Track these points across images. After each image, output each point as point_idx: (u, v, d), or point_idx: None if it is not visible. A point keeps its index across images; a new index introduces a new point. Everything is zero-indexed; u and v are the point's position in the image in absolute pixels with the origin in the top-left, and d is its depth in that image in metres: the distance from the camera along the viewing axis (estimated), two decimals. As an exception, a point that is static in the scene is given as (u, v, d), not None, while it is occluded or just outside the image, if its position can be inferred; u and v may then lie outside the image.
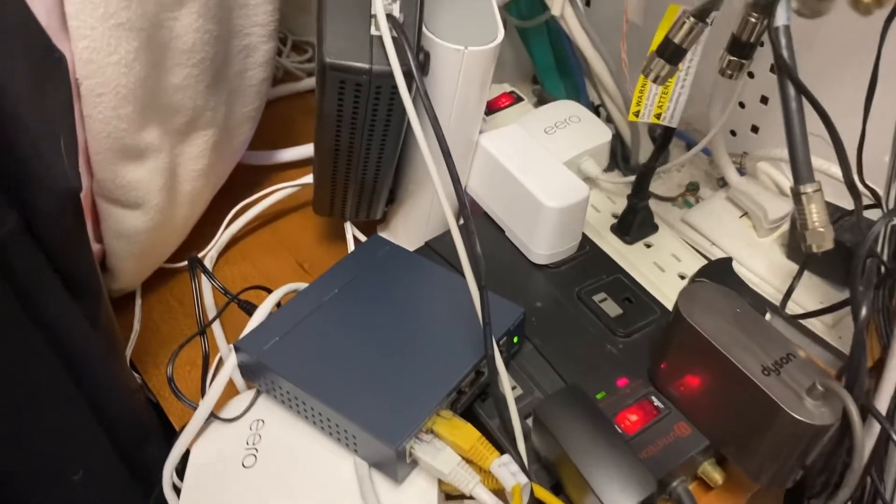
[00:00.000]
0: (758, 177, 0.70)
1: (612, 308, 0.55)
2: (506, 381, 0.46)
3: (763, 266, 0.65)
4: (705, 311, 0.47)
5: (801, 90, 0.39)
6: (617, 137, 0.73)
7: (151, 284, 0.63)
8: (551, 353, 0.52)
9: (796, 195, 0.39)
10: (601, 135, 0.64)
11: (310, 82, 0.84)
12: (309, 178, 0.66)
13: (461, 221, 0.44)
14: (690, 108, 0.58)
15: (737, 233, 0.67)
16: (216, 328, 0.58)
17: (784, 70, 0.39)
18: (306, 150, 0.72)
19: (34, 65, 0.35)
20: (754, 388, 0.43)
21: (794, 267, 0.65)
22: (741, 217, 0.69)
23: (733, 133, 0.73)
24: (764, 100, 0.69)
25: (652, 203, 0.64)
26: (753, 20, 0.39)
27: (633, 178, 0.61)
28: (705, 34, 0.40)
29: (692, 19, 0.39)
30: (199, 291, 0.57)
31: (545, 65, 0.77)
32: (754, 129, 0.71)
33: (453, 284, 0.52)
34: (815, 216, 0.39)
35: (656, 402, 0.50)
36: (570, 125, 0.64)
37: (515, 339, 0.52)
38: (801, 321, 0.61)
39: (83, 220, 0.41)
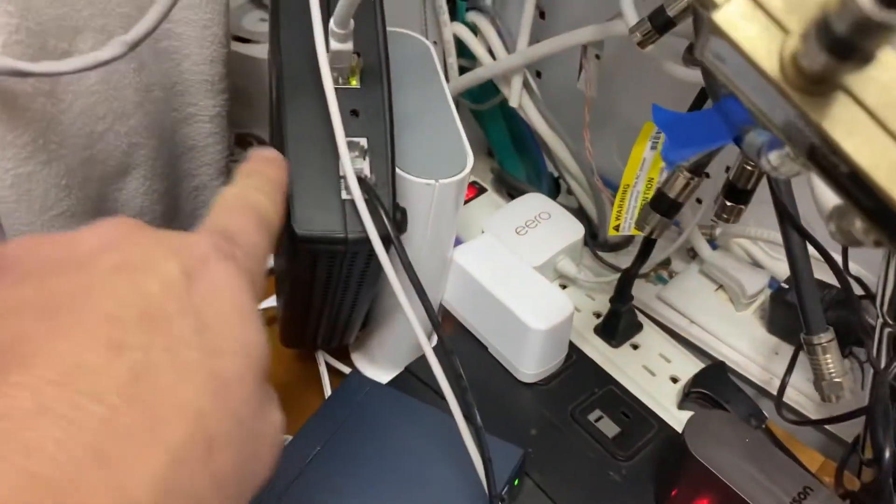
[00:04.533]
0: (730, 248, 0.69)
1: (608, 427, 0.53)
2: (516, 543, 0.44)
3: (745, 343, 0.64)
4: (715, 445, 0.45)
5: (806, 236, 0.37)
6: (581, 213, 0.71)
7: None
8: (553, 489, 0.50)
9: (810, 345, 0.38)
10: (574, 231, 0.62)
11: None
12: (272, 302, 0.62)
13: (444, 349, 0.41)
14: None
15: (714, 308, 0.66)
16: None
17: (786, 218, 0.37)
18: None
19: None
20: (775, 530, 0.42)
21: (776, 341, 0.64)
22: (716, 290, 0.68)
23: (699, 200, 0.72)
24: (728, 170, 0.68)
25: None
26: (750, 168, 0.37)
27: (612, 277, 0.59)
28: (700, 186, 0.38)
29: (687, 174, 0.37)
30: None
31: (502, 145, 0.74)
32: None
33: (443, 424, 0.49)
34: (832, 366, 0.37)
35: (668, 536, 0.48)
36: (541, 223, 0.62)
37: (516, 482, 0.49)
38: (795, 407, 0.60)
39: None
